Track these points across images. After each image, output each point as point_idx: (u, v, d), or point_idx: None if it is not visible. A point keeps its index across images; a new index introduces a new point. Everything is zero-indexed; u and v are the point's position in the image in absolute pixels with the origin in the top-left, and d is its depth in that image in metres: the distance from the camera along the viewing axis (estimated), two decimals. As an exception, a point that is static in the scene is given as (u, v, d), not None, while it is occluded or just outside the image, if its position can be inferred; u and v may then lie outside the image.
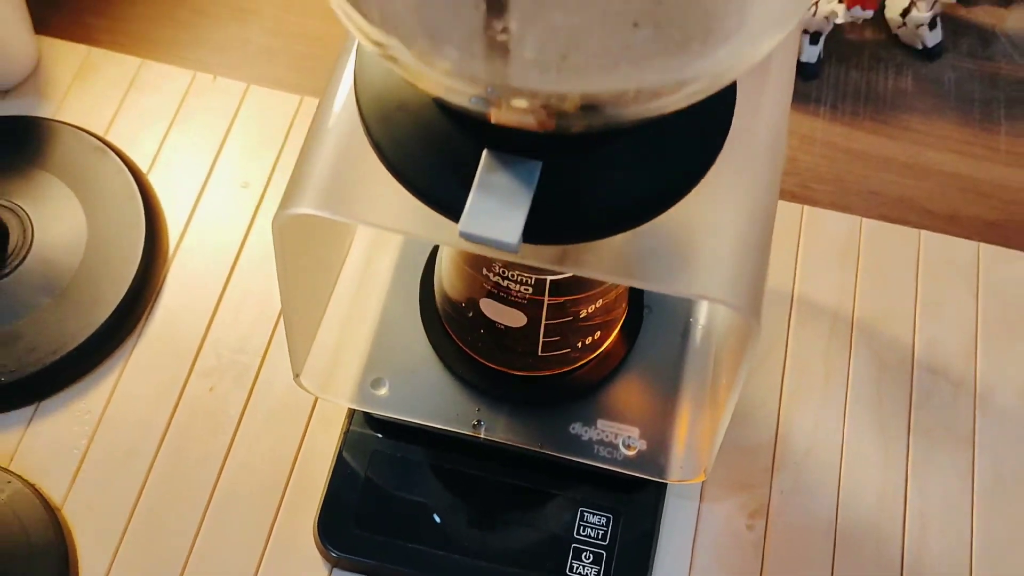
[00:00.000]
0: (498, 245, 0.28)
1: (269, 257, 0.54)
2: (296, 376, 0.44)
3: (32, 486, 0.47)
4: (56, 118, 0.57)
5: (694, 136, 0.31)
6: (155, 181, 0.56)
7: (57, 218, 0.53)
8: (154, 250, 0.53)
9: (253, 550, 0.47)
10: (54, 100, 0.58)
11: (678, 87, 0.25)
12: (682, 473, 0.45)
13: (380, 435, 0.48)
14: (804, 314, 0.53)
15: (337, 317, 0.47)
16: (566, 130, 0.27)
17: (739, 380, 0.36)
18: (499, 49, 0.25)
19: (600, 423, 0.46)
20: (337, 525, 0.46)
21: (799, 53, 0.61)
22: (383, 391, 0.46)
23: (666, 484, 0.48)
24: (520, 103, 0.25)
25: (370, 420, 0.49)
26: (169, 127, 0.58)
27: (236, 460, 0.49)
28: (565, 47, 0.25)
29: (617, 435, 0.46)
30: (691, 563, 0.47)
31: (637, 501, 0.47)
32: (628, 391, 0.47)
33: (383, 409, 0.46)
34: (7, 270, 0.51)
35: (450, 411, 0.46)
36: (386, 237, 0.49)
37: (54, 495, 0.48)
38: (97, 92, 0.59)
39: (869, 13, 0.61)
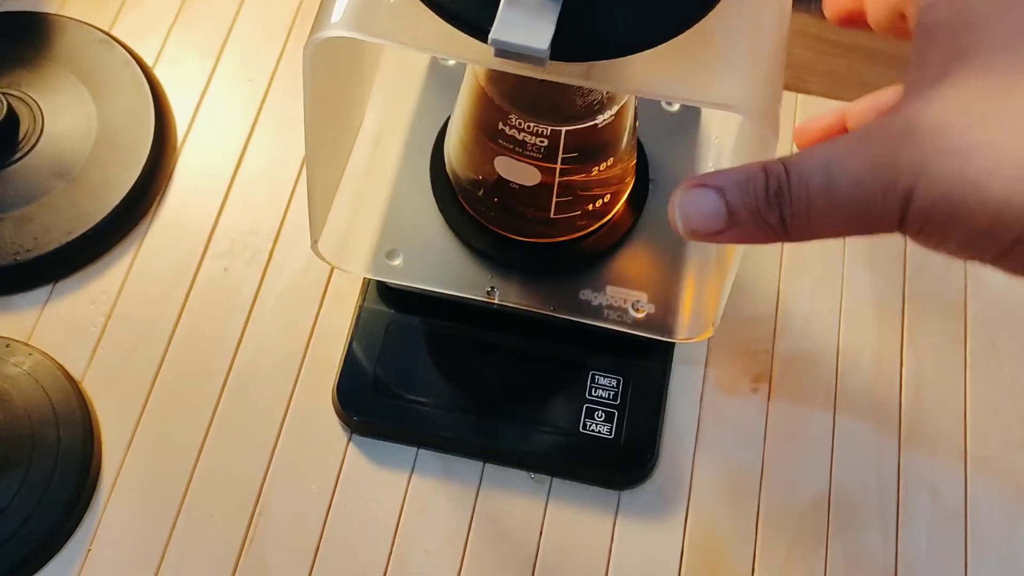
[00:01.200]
0: (529, 52, 0.30)
1: (276, 147, 0.55)
2: (314, 243, 0.45)
3: (52, 359, 0.47)
4: (61, 13, 0.57)
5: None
6: (161, 75, 0.56)
7: (66, 106, 0.53)
8: (163, 138, 0.53)
9: (272, 420, 0.48)
10: (56, -1, 0.58)
11: None
12: (690, 331, 0.46)
13: (393, 309, 0.50)
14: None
15: (351, 190, 0.48)
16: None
17: None
18: None
19: (609, 289, 0.47)
20: (355, 391, 0.48)
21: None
22: (397, 261, 0.47)
23: (672, 349, 0.50)
24: None
25: (383, 294, 0.50)
26: (173, 23, 0.58)
27: (252, 337, 0.50)
28: None
29: (626, 299, 0.47)
30: (699, 421, 0.49)
31: (645, 364, 0.49)
32: (635, 258, 0.48)
33: (398, 278, 0.47)
34: (19, 155, 0.51)
35: (463, 279, 0.47)
36: (398, 114, 0.50)
37: (74, 369, 0.48)
38: (99, -10, 0.59)
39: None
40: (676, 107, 0.52)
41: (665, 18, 0.32)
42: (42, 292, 0.50)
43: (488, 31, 0.30)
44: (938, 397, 0.50)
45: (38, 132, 0.52)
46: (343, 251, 0.47)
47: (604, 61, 0.32)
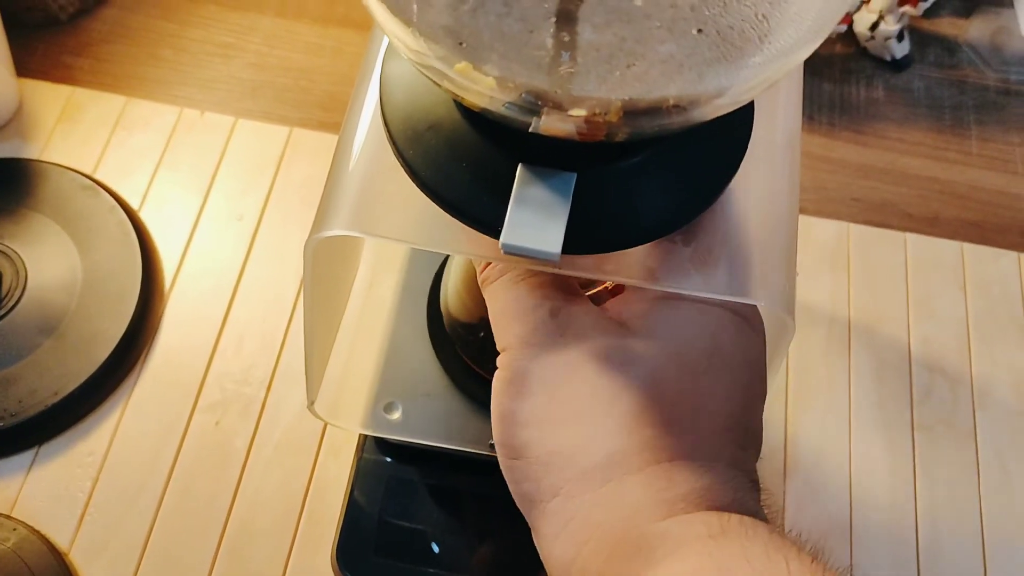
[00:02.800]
0: (540, 255, 0.29)
1: (268, 288, 0.54)
2: (310, 404, 0.43)
3: (38, 532, 0.45)
4: (42, 159, 0.56)
5: (719, 144, 0.32)
6: (147, 218, 0.55)
7: (50, 258, 0.52)
8: (151, 286, 0.52)
9: (270, 585, 0.46)
10: (39, 141, 0.57)
11: (729, 92, 0.25)
12: None
13: (393, 460, 0.48)
14: (802, 319, 0.54)
15: (345, 343, 0.47)
16: (609, 138, 0.27)
17: (773, 378, 0.36)
18: (562, 60, 0.25)
19: None
20: (356, 553, 0.46)
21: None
22: (396, 415, 0.46)
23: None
24: (578, 112, 0.25)
25: (382, 446, 0.48)
26: (158, 163, 0.57)
27: (247, 494, 0.48)
28: (631, 56, 0.25)
29: None
30: (712, 570, 0.47)
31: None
32: None
33: (398, 433, 0.45)
34: (2, 312, 0.50)
35: (465, 432, 0.46)
36: (390, 261, 0.49)
37: (60, 540, 0.46)
38: (83, 132, 0.58)
39: (842, 28, 0.63)
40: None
41: (674, 208, 0.31)
42: (26, 457, 0.48)
43: (497, 228, 0.29)
44: (954, 531, 0.49)
45: (21, 286, 0.51)
46: (339, 406, 0.45)
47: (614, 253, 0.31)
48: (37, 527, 0.46)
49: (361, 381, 0.46)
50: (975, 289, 0.56)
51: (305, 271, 0.34)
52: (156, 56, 0.62)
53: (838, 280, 0.56)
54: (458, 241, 0.31)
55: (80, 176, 0.55)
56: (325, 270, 0.38)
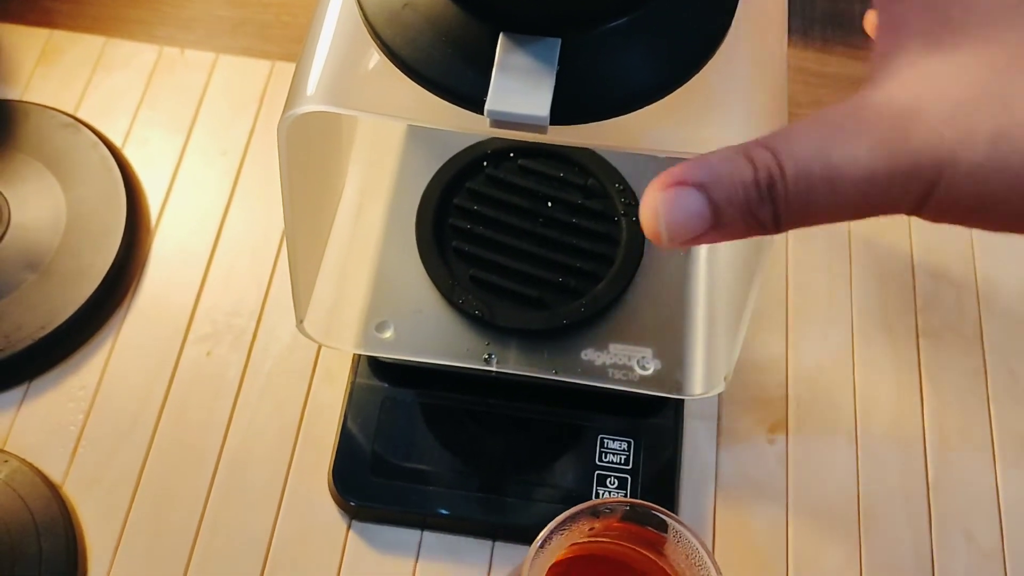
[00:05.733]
0: (528, 120, 0.28)
1: (255, 220, 0.53)
2: (299, 323, 0.43)
3: (30, 464, 0.45)
4: (24, 99, 0.55)
5: (706, 6, 0.31)
6: (131, 155, 0.54)
7: (33, 195, 0.51)
8: (136, 221, 0.51)
9: (267, 511, 0.45)
10: (19, 84, 0.56)
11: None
12: (701, 387, 0.44)
13: (387, 384, 0.47)
14: (801, 230, 0.53)
15: (335, 263, 0.46)
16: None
17: (762, 265, 0.35)
18: None
19: (612, 346, 0.45)
20: (352, 475, 0.45)
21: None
22: (388, 334, 0.45)
23: (683, 405, 0.48)
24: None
25: (376, 369, 0.48)
26: (140, 102, 0.56)
27: (241, 423, 0.48)
28: None
29: (630, 356, 0.45)
30: (716, 480, 0.47)
31: (656, 424, 0.47)
32: (637, 313, 0.46)
33: (391, 352, 0.45)
34: (-15, 249, 0.49)
35: (459, 347, 0.45)
36: (379, 182, 0.48)
37: (53, 473, 0.46)
38: (63, 73, 0.57)
39: (832, -62, 0.62)
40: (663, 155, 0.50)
41: (664, 72, 0.30)
42: (16, 392, 0.48)
43: (482, 101, 0.28)
44: (963, 434, 0.48)
45: (5, 224, 0.50)
46: (331, 328, 0.45)
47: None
48: (30, 460, 0.45)
49: (352, 301, 0.46)
50: (977, 193, 0.54)
51: (280, 156, 0.33)
52: (135, -3, 0.61)
53: (836, 191, 0.55)
54: (442, 114, 0.30)
55: (61, 115, 0.54)
56: (304, 163, 0.37)
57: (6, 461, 0.44)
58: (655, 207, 0.25)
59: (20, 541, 0.42)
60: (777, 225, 0.25)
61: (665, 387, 0.44)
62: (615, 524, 0.30)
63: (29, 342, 0.47)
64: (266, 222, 0.53)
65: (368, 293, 0.46)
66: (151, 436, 0.47)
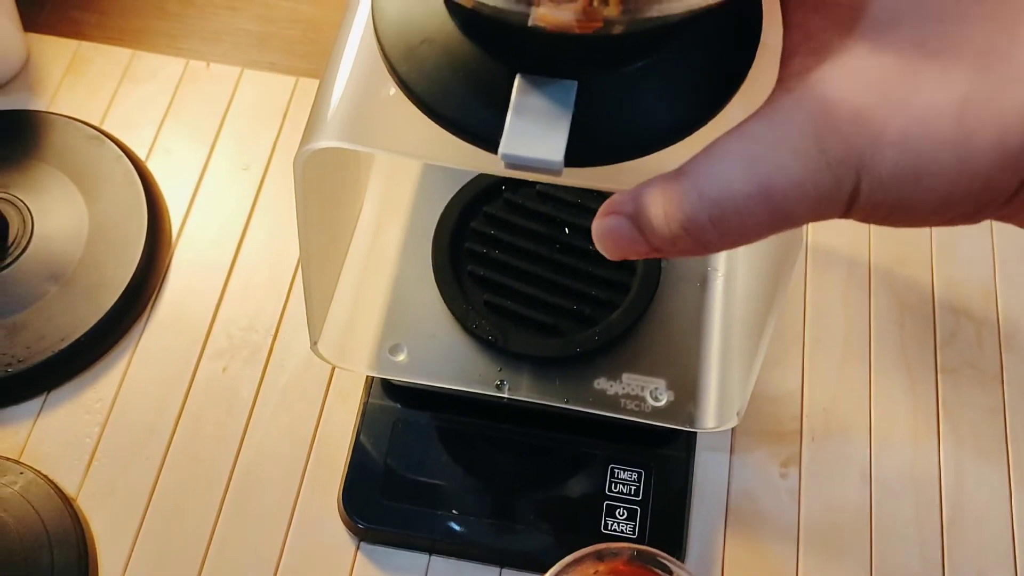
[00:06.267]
0: (542, 165, 0.28)
1: (274, 236, 0.53)
2: (313, 344, 0.43)
3: (45, 477, 0.45)
4: (50, 111, 0.56)
5: (725, 49, 0.31)
6: (154, 168, 0.55)
7: (57, 207, 0.51)
8: (157, 234, 0.52)
9: (277, 529, 0.46)
10: (46, 94, 0.57)
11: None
12: (714, 421, 0.44)
13: (399, 404, 0.47)
14: (820, 262, 0.53)
15: (351, 285, 0.46)
16: (608, 30, 0.26)
17: (779, 299, 0.35)
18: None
19: (625, 376, 0.45)
20: (362, 496, 0.45)
21: None
22: (402, 357, 0.45)
23: (695, 437, 0.48)
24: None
25: (389, 390, 0.48)
26: (165, 115, 0.57)
27: (254, 440, 0.48)
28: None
29: (643, 387, 0.45)
30: (726, 514, 0.46)
31: (667, 454, 0.46)
32: (651, 343, 0.46)
33: (403, 375, 0.45)
34: (10, 260, 0.50)
35: (471, 372, 0.45)
36: (396, 204, 0.49)
37: (68, 485, 0.46)
38: (89, 84, 0.58)
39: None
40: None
41: (684, 113, 0.30)
42: (35, 403, 0.48)
43: (497, 141, 0.28)
44: (980, 474, 0.47)
45: (28, 235, 0.50)
46: (344, 349, 0.45)
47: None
48: (45, 472, 0.46)
49: (367, 323, 0.46)
50: (1001, 228, 0.54)
51: (296, 187, 0.33)
52: (162, 10, 0.61)
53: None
54: (457, 152, 0.30)
55: (86, 127, 0.54)
56: (320, 194, 0.38)
57: (22, 473, 0.45)
58: (594, 232, 0.28)
59: (33, 553, 0.43)
60: (711, 246, 0.25)
61: (678, 419, 0.44)
62: (620, 567, 0.30)
63: (49, 353, 0.48)
64: (285, 238, 0.53)
65: (382, 315, 0.46)
66: (165, 450, 0.47)
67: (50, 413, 0.48)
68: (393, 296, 0.46)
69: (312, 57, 0.60)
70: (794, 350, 0.50)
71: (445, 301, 0.46)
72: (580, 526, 0.45)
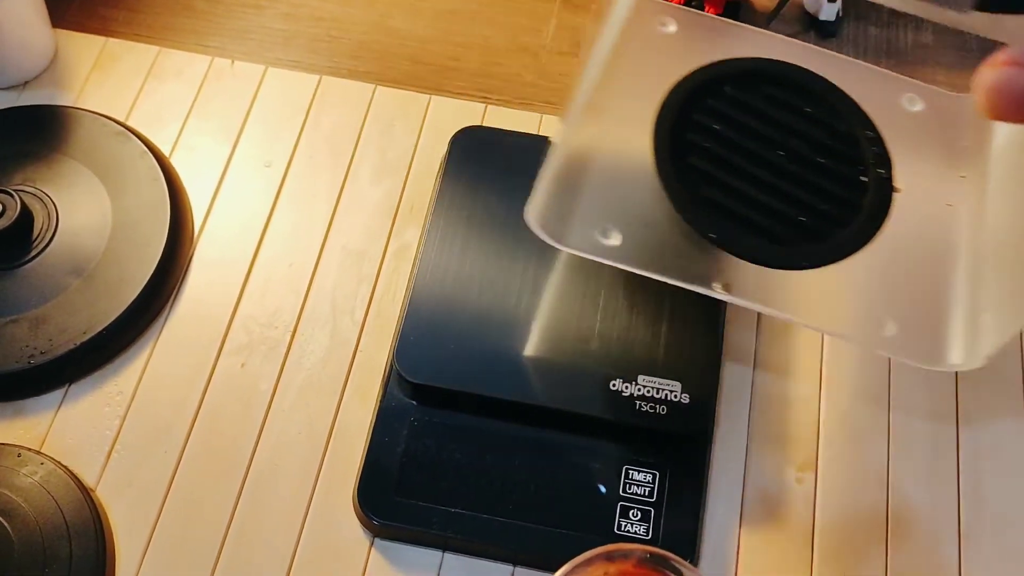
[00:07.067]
0: None
1: (295, 233, 0.54)
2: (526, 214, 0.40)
3: (65, 467, 0.46)
4: (76, 106, 0.56)
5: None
6: (177, 164, 0.56)
7: (81, 201, 0.52)
8: (179, 230, 0.52)
9: (292, 525, 0.46)
10: (73, 90, 0.58)
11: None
12: (960, 358, 0.40)
13: (416, 403, 0.47)
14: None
15: (568, 157, 0.43)
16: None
17: None
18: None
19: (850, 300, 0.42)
20: (377, 493, 0.45)
21: (818, 11, 0.61)
22: (613, 240, 0.41)
23: (711, 439, 0.47)
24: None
25: (406, 388, 0.48)
26: (189, 111, 0.58)
27: (271, 435, 0.48)
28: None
29: (874, 318, 0.41)
30: (741, 518, 0.46)
31: (682, 457, 0.46)
32: (883, 271, 0.43)
33: (615, 259, 0.41)
34: (34, 253, 0.50)
35: (687, 268, 0.41)
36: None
37: (87, 477, 0.47)
38: (116, 81, 0.58)
39: (888, -32, 0.61)
40: (918, 107, 0.47)
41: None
42: (56, 395, 0.49)
43: None
44: (1000, 482, 0.47)
45: (53, 229, 0.51)
46: (554, 222, 0.41)
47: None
48: (66, 463, 0.46)
49: (579, 200, 0.42)
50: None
51: None
52: (190, 7, 0.62)
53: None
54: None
55: (112, 123, 0.55)
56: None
57: (42, 463, 0.46)
58: (989, 82, 0.26)
59: (52, 543, 0.43)
60: None
61: (915, 354, 0.40)
62: (630, 569, 0.30)
63: (71, 346, 0.48)
64: (306, 235, 0.54)
65: (597, 196, 0.42)
66: (183, 444, 0.48)
67: (71, 405, 0.49)
68: (608, 176, 0.43)
69: (335, 55, 0.60)
70: (813, 351, 0.50)
71: (665, 189, 0.42)
72: (593, 526, 0.44)
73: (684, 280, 0.40)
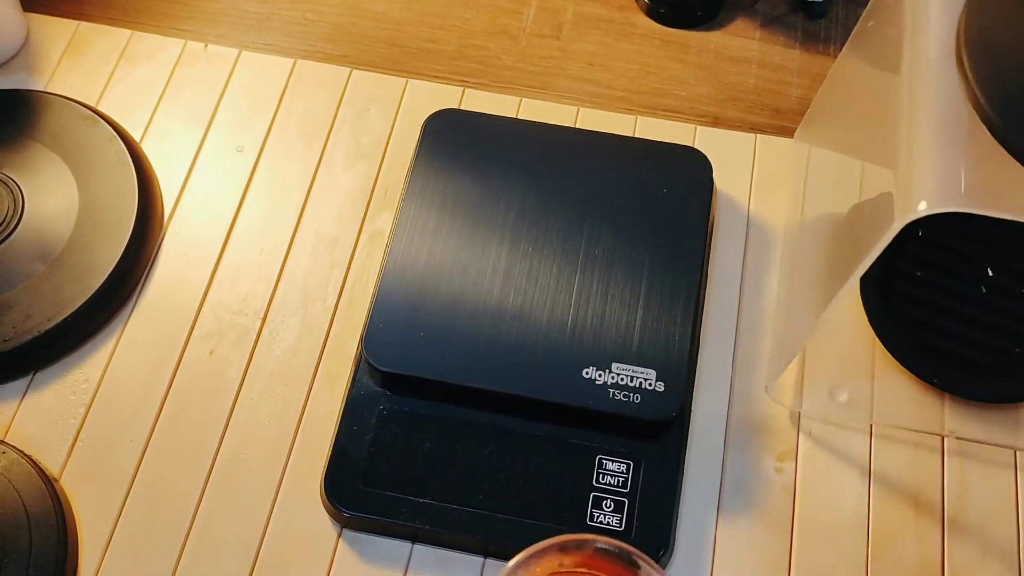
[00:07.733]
0: None
1: (266, 219, 0.53)
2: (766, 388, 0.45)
3: (28, 457, 0.45)
4: (46, 90, 0.55)
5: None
6: (148, 149, 0.55)
7: (48, 187, 0.51)
8: (148, 215, 0.51)
9: (259, 514, 0.45)
10: (44, 74, 0.57)
11: None
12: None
13: (386, 391, 0.46)
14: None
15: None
16: None
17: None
18: None
19: None
20: (345, 483, 0.44)
21: (805, -7, 0.60)
22: (844, 398, 0.46)
23: (688, 428, 0.46)
24: None
25: (375, 376, 0.47)
26: (161, 95, 0.57)
27: (239, 423, 0.47)
28: None
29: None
30: (718, 509, 0.45)
31: (658, 447, 0.45)
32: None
33: (853, 419, 0.46)
34: (-2, 239, 0.50)
35: (916, 415, 0.45)
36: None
37: (51, 466, 0.46)
38: (88, 64, 0.57)
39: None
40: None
41: None
42: (21, 383, 0.48)
43: None
44: (984, 475, 0.46)
45: (19, 214, 0.50)
46: (783, 389, 0.46)
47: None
48: (29, 452, 0.46)
49: (797, 364, 0.46)
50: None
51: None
52: (163, -10, 0.61)
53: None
54: None
55: (80, 107, 0.54)
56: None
57: (4, 452, 0.45)
58: None
59: (11, 533, 0.42)
60: None
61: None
62: (586, 560, 0.29)
63: (36, 333, 0.47)
64: (278, 221, 0.53)
65: (814, 356, 0.46)
66: (149, 432, 0.47)
67: (36, 393, 0.48)
68: (824, 338, 0.46)
69: (310, 38, 0.59)
70: (794, 342, 0.49)
71: (882, 342, 0.46)
72: (565, 517, 0.43)
73: (917, 427, 0.44)
